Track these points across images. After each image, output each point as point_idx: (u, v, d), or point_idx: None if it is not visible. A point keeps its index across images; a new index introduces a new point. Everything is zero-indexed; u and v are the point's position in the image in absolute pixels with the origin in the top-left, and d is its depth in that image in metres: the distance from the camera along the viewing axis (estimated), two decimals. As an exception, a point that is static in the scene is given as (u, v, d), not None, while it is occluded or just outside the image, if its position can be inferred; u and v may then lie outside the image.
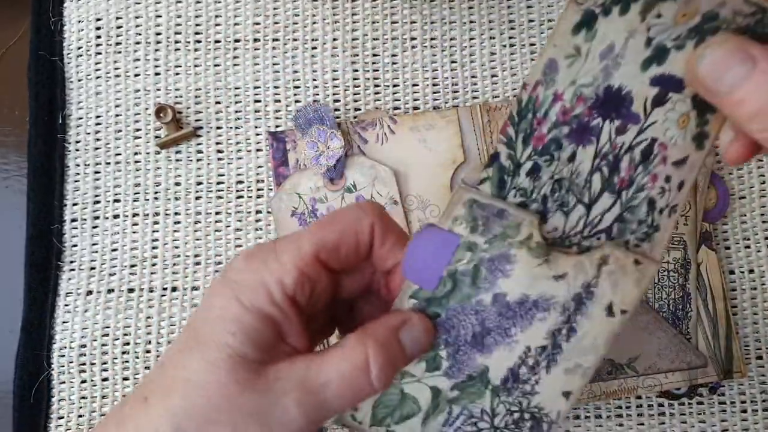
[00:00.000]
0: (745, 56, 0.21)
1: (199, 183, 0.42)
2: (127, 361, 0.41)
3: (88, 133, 0.42)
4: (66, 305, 0.41)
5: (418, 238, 0.26)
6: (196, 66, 0.43)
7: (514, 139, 0.25)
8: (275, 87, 0.43)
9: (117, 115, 0.42)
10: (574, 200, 0.26)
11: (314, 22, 0.43)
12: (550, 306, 0.26)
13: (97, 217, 0.42)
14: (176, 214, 0.42)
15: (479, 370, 0.27)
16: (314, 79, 0.43)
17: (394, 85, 0.43)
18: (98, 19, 0.43)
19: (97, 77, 0.43)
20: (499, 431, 0.28)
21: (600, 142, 0.25)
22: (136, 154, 0.42)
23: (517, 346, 0.27)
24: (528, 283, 0.26)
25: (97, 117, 0.43)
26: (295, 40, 0.43)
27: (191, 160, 0.42)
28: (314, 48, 0.43)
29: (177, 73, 0.43)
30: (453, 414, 0.28)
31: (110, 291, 0.41)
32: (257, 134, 0.42)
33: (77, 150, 0.42)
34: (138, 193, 0.42)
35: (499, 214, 0.25)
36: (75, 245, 0.42)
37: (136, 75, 0.43)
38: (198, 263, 0.41)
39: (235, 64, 0.43)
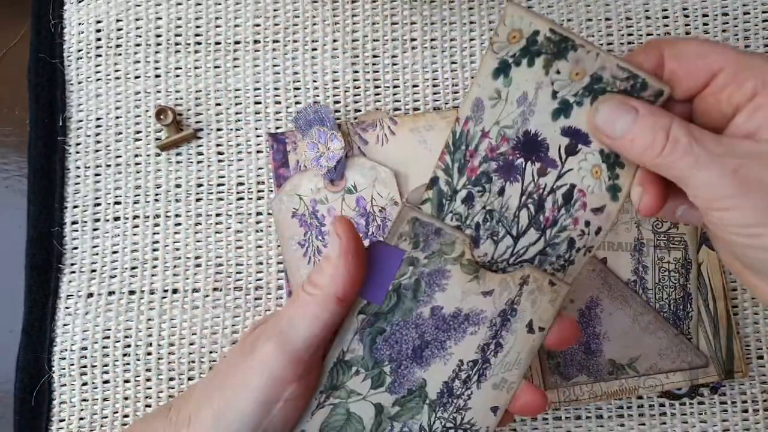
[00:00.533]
0: (628, 107, 0.25)
1: (200, 185, 0.42)
2: (128, 364, 0.41)
3: (89, 136, 0.42)
4: (67, 308, 0.41)
5: (369, 253, 0.28)
6: (196, 68, 0.43)
7: (451, 167, 0.28)
8: (275, 88, 0.43)
9: (117, 117, 0.42)
10: (503, 231, 0.28)
11: (314, 24, 0.43)
12: (479, 320, 0.29)
13: (97, 220, 0.42)
14: (177, 216, 0.42)
15: (418, 384, 0.29)
16: (314, 81, 0.43)
17: (395, 86, 0.43)
18: (98, 22, 0.43)
19: (98, 79, 0.43)
20: None
21: (525, 181, 0.28)
22: (136, 156, 0.42)
23: (452, 359, 0.29)
24: (461, 297, 0.29)
25: (98, 119, 0.43)
26: (295, 41, 0.43)
27: (192, 162, 0.42)
28: (314, 49, 0.43)
29: (177, 75, 0.43)
30: (394, 431, 0.29)
31: (111, 293, 0.41)
32: (258, 136, 0.42)
33: (77, 152, 0.42)
34: (138, 195, 0.42)
35: (437, 232, 0.28)
36: (75, 248, 0.41)
37: (137, 77, 0.43)
38: (198, 265, 0.41)
39: (235, 66, 0.43)
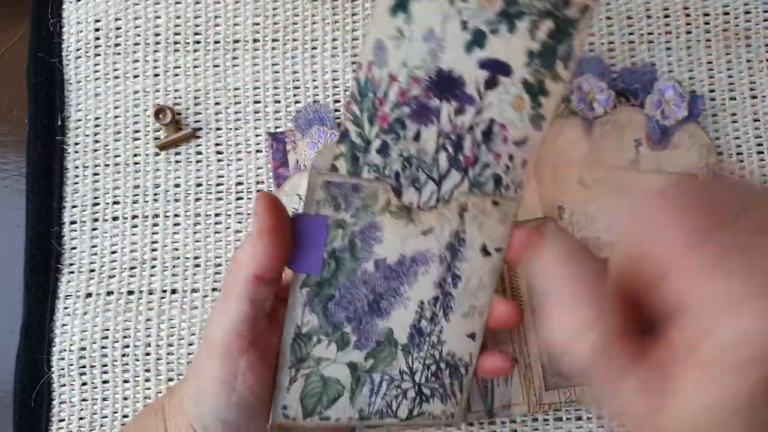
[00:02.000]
0: None
1: (199, 184, 0.42)
2: (127, 364, 0.40)
3: (87, 135, 0.42)
4: (65, 308, 0.41)
5: (294, 228, 0.27)
6: (195, 67, 0.43)
7: (360, 117, 0.26)
8: (275, 88, 0.42)
9: (116, 117, 0.42)
10: (424, 176, 0.27)
11: (314, 23, 0.43)
12: (427, 259, 0.28)
13: (96, 219, 0.42)
14: (176, 215, 0.42)
15: (384, 334, 0.29)
16: (314, 80, 0.42)
17: (394, 86, 0.42)
18: (97, 21, 0.43)
19: (96, 79, 0.43)
20: (422, 387, 0.29)
21: (441, 122, 0.26)
22: (135, 155, 0.42)
23: (411, 303, 0.29)
24: (401, 244, 0.28)
25: (96, 119, 0.42)
26: (294, 40, 0.43)
27: (191, 162, 0.42)
28: (314, 48, 0.43)
29: (176, 75, 0.43)
30: (375, 382, 0.29)
31: (110, 293, 0.41)
32: (257, 135, 0.42)
33: (76, 152, 0.42)
34: (137, 195, 0.42)
35: (354, 189, 0.27)
36: (74, 248, 0.41)
37: (135, 76, 0.43)
38: (198, 265, 0.41)
39: (234, 65, 0.43)
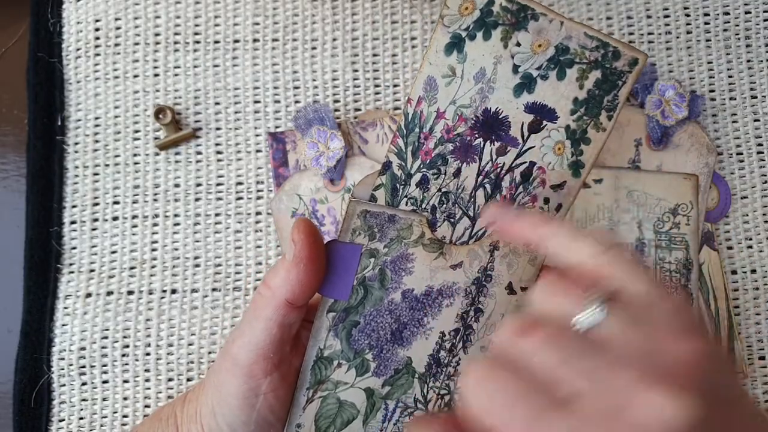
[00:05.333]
0: None
1: (199, 184, 0.42)
2: (126, 364, 0.40)
3: (87, 135, 0.42)
4: (65, 308, 0.41)
5: (327, 254, 0.28)
6: (195, 67, 0.43)
7: (404, 151, 0.27)
8: (275, 87, 0.42)
9: (116, 117, 0.42)
10: (460, 212, 0.27)
11: (314, 23, 0.43)
12: (453, 292, 0.28)
13: (96, 219, 0.42)
14: (176, 215, 0.42)
15: (404, 362, 0.29)
16: (314, 80, 0.42)
17: (395, 85, 0.42)
18: (97, 21, 0.43)
19: (96, 78, 0.43)
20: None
21: (482, 161, 0.27)
22: (135, 155, 0.42)
23: (433, 333, 0.29)
24: (429, 276, 0.28)
25: (96, 118, 0.42)
26: (294, 40, 0.43)
27: (191, 162, 0.42)
28: (314, 48, 0.43)
29: (176, 74, 0.43)
30: (389, 409, 0.30)
31: (109, 293, 0.41)
32: (257, 135, 0.42)
33: (76, 152, 0.42)
34: (137, 194, 0.42)
35: (390, 220, 0.27)
36: (74, 248, 0.41)
37: (135, 76, 0.43)
38: (197, 265, 0.41)
39: (234, 65, 0.43)
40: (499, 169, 0.27)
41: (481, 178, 0.27)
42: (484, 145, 0.27)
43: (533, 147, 0.27)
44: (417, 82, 0.26)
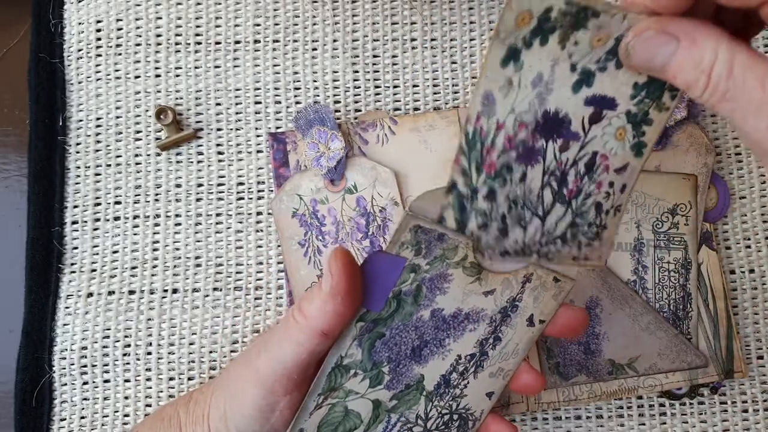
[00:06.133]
0: (667, 38, 0.22)
1: (200, 185, 0.42)
2: (128, 363, 0.41)
3: (89, 136, 0.42)
4: (67, 308, 0.41)
5: (368, 264, 0.28)
6: (196, 68, 0.43)
7: (468, 169, 0.26)
8: (276, 88, 0.43)
9: (117, 117, 0.42)
10: (530, 214, 0.27)
11: (315, 24, 0.43)
12: (480, 318, 0.29)
13: (97, 220, 0.42)
14: (177, 216, 0.42)
15: (416, 379, 0.29)
16: (315, 81, 0.43)
17: (395, 86, 0.43)
18: (98, 21, 0.43)
19: (98, 79, 0.43)
20: None
21: (546, 161, 0.27)
22: (136, 156, 0.42)
23: (450, 355, 0.29)
24: (462, 298, 0.28)
25: (98, 119, 0.43)
26: (295, 41, 0.43)
27: (192, 162, 0.42)
28: (315, 49, 0.43)
29: (177, 75, 0.43)
30: (391, 422, 0.30)
31: (111, 293, 0.41)
32: (258, 136, 0.42)
33: (78, 152, 0.42)
34: (139, 195, 0.42)
35: (439, 238, 0.27)
36: (76, 248, 0.42)
37: (137, 77, 0.43)
38: (199, 265, 0.41)
39: (235, 66, 0.43)
40: (563, 165, 0.27)
41: (547, 177, 0.27)
42: (546, 145, 0.26)
43: (595, 137, 0.26)
44: (474, 99, 0.25)
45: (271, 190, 0.42)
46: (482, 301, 0.29)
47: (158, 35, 0.43)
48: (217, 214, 0.42)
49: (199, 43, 0.43)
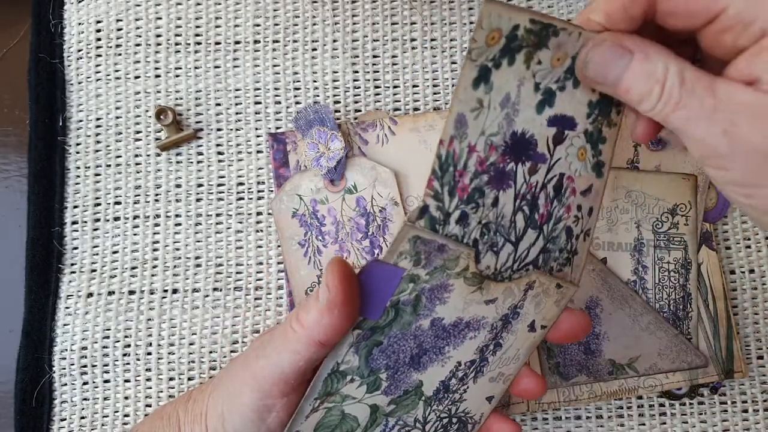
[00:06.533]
0: (622, 51, 0.24)
1: (200, 185, 0.42)
2: (128, 363, 0.41)
3: (89, 136, 0.42)
4: (67, 308, 0.41)
5: (365, 273, 0.27)
6: (196, 68, 0.43)
7: (441, 192, 0.26)
8: (275, 88, 0.43)
9: (117, 118, 0.42)
10: (502, 240, 0.27)
11: (314, 24, 0.43)
12: (480, 326, 0.28)
13: (97, 220, 0.42)
14: (177, 216, 0.42)
15: (414, 385, 0.29)
16: (314, 81, 0.43)
17: (395, 87, 0.43)
18: (98, 22, 0.43)
19: (98, 79, 0.43)
20: None
21: (517, 185, 0.27)
22: (136, 156, 0.42)
23: (450, 362, 0.29)
24: (462, 308, 0.28)
25: (98, 119, 0.43)
26: (295, 41, 0.43)
27: (192, 162, 0.42)
28: (314, 49, 0.43)
29: (177, 75, 0.43)
30: (389, 426, 0.30)
31: (111, 293, 0.41)
32: (258, 136, 0.42)
33: (77, 152, 0.42)
34: (138, 195, 0.42)
35: (440, 249, 0.26)
36: (75, 248, 0.42)
37: (137, 77, 0.43)
38: (199, 265, 0.41)
39: (235, 66, 0.43)
40: (533, 189, 0.27)
41: (518, 201, 0.27)
42: (516, 168, 0.26)
43: (560, 159, 0.27)
44: (447, 122, 0.25)
45: (271, 191, 0.42)
46: (483, 309, 0.28)
47: (158, 35, 0.43)
48: (217, 215, 0.42)
49: (199, 44, 0.43)
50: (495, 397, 0.30)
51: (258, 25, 0.43)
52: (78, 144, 0.42)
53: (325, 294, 0.26)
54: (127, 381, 0.41)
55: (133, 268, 0.41)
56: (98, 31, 0.43)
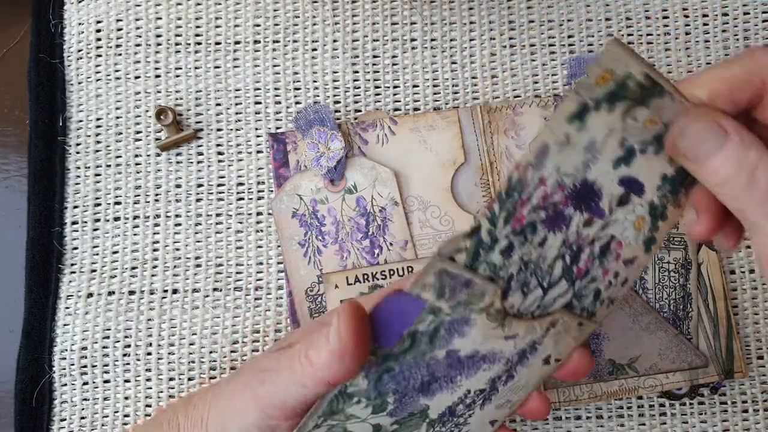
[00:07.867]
0: (718, 130, 0.23)
1: (200, 185, 0.42)
2: (128, 363, 0.41)
3: (89, 136, 0.42)
4: (67, 308, 0.41)
5: (387, 302, 0.27)
6: (196, 68, 0.43)
7: (497, 216, 0.25)
8: (276, 89, 0.43)
9: (117, 118, 0.42)
10: (535, 283, 0.26)
11: (315, 24, 0.43)
12: (496, 359, 0.28)
13: (97, 220, 0.42)
14: (177, 216, 0.42)
15: (420, 409, 0.29)
16: (315, 81, 0.43)
17: (395, 87, 0.43)
18: (98, 22, 0.43)
19: (98, 79, 0.43)
20: None
21: (569, 231, 0.26)
22: (136, 156, 0.42)
23: (459, 390, 0.28)
24: (480, 341, 0.27)
25: (98, 119, 0.43)
26: (295, 41, 0.43)
27: (192, 162, 0.42)
28: (314, 49, 0.43)
29: (177, 75, 0.43)
30: None
31: (111, 293, 0.41)
32: (258, 136, 0.42)
33: (78, 152, 0.42)
34: (139, 195, 0.42)
35: (466, 284, 0.26)
36: (75, 248, 0.42)
37: (137, 77, 0.43)
38: (199, 265, 0.41)
39: (235, 66, 0.43)
40: (581, 241, 0.26)
41: (564, 249, 0.26)
42: (573, 215, 0.26)
43: (617, 221, 0.26)
44: (531, 149, 0.24)
45: (271, 191, 0.42)
46: (501, 344, 0.27)
47: (158, 35, 0.43)
48: (217, 215, 0.42)
49: (199, 44, 0.43)
50: (498, 421, 0.30)
51: (258, 25, 0.43)
52: (78, 144, 0.42)
53: (335, 339, 0.26)
54: (127, 381, 0.41)
55: (133, 268, 0.41)
56: (98, 31, 0.43)
